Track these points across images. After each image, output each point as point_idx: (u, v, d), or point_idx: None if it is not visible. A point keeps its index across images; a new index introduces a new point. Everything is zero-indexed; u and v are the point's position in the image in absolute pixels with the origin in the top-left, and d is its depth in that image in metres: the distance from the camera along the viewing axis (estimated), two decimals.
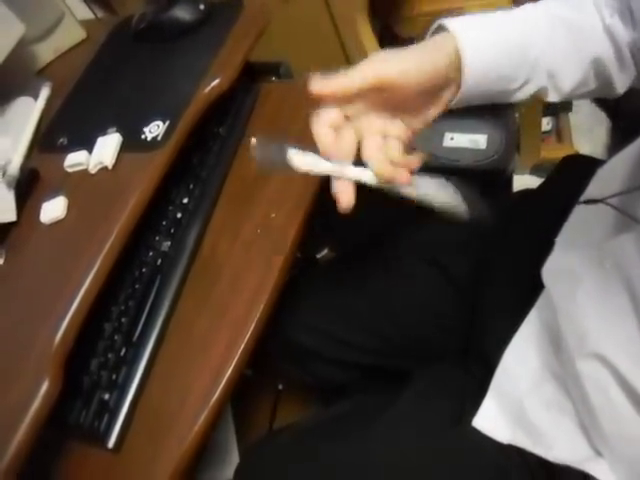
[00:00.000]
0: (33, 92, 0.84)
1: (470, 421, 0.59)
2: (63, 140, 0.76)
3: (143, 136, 0.71)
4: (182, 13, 0.82)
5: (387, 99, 0.50)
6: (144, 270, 0.70)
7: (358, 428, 0.64)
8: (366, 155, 0.50)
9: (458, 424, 0.60)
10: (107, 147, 0.70)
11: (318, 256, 1.19)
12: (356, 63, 0.48)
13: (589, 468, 0.51)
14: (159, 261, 0.71)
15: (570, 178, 0.67)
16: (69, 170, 0.71)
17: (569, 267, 0.55)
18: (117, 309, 0.68)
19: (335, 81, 0.47)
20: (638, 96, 0.60)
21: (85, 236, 0.64)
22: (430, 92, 0.51)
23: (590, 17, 0.53)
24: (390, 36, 1.27)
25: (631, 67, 0.55)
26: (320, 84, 0.47)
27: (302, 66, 0.89)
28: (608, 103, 1.59)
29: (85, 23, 0.95)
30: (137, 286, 0.69)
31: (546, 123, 1.50)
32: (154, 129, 0.71)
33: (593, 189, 0.61)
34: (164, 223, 0.74)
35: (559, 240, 0.60)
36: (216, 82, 0.74)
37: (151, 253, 0.71)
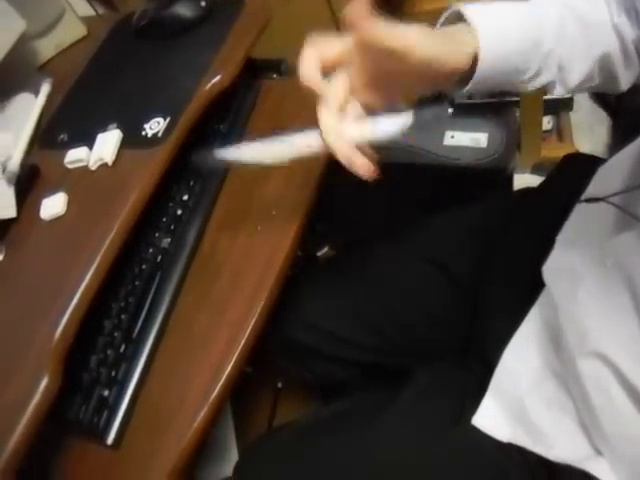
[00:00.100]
0: (34, 88, 0.84)
1: (470, 420, 0.59)
2: (63, 136, 0.76)
3: (144, 132, 0.71)
4: (183, 10, 0.82)
5: (381, 67, 0.48)
6: (144, 267, 0.70)
7: (358, 426, 0.64)
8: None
9: (458, 423, 0.60)
10: (107, 143, 0.70)
11: (318, 254, 1.19)
12: None
13: (590, 467, 0.51)
14: (159, 258, 0.71)
15: (571, 177, 0.67)
16: (69, 166, 0.71)
17: (570, 266, 0.55)
18: (117, 305, 0.68)
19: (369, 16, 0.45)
20: (639, 94, 0.60)
21: (85, 232, 0.64)
22: (427, 77, 0.49)
23: (601, 12, 0.52)
24: None
25: (636, 64, 0.54)
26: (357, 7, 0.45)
27: None
28: (609, 102, 1.59)
29: (86, 19, 0.95)
30: (137, 283, 0.69)
31: (547, 122, 1.50)
32: (155, 125, 0.71)
33: (594, 188, 0.61)
34: (164, 220, 0.73)
35: (560, 238, 0.60)
36: (217, 79, 0.73)
37: (151, 250, 0.71)
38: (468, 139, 1.07)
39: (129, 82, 0.80)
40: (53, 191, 0.68)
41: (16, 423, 0.51)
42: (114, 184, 0.67)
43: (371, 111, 0.51)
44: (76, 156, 0.71)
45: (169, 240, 0.72)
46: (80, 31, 0.93)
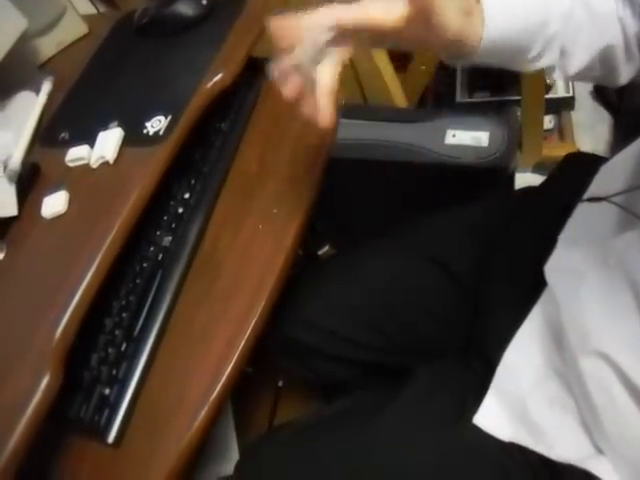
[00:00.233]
0: (35, 86, 0.83)
1: (471, 419, 0.59)
2: (65, 135, 0.75)
3: (145, 131, 0.70)
4: (185, 8, 0.82)
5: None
6: (145, 265, 0.70)
7: (358, 424, 0.64)
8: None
9: (459, 421, 0.60)
10: (109, 142, 0.70)
11: (319, 253, 1.19)
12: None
13: (591, 467, 0.51)
14: (160, 256, 0.71)
15: (572, 176, 0.67)
16: (70, 165, 0.71)
17: (572, 265, 0.55)
18: (118, 304, 0.68)
19: None
20: None
21: (86, 231, 0.64)
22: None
23: (608, 3, 0.52)
24: None
25: (637, 58, 0.54)
26: None
27: None
28: (610, 100, 1.59)
29: (87, 18, 0.95)
30: (138, 281, 0.69)
31: (548, 121, 1.50)
32: (156, 124, 0.71)
33: (596, 187, 0.61)
34: (165, 218, 0.73)
35: (562, 238, 0.60)
36: (218, 77, 0.73)
37: (152, 248, 0.71)
38: (469, 138, 1.07)
39: (130, 80, 0.79)
40: (54, 189, 0.68)
41: (16, 422, 0.51)
42: (115, 182, 0.67)
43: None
44: (77, 154, 0.70)
45: (170, 238, 0.72)
46: (81, 29, 0.93)
